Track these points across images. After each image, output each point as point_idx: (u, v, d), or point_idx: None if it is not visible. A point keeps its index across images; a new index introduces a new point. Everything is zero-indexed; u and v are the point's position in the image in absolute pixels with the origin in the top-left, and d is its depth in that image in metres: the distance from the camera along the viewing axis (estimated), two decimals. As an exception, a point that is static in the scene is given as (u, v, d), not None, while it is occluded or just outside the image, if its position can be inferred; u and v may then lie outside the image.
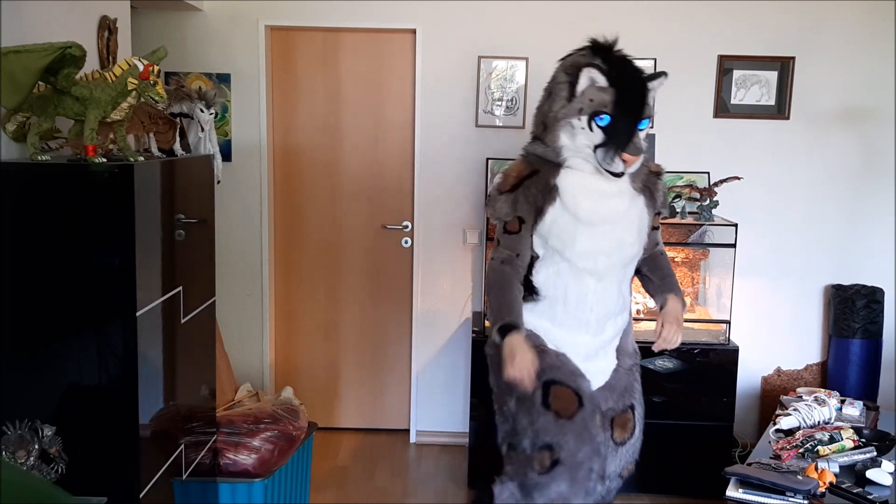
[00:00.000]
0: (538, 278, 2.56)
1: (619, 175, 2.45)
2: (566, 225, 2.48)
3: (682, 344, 3.79)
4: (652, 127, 2.62)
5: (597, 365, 2.60)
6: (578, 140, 2.44)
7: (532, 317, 2.57)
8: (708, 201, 4.02)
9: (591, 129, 2.40)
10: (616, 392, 2.61)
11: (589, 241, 2.47)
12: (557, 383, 2.49)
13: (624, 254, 2.54)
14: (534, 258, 2.57)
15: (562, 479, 2.43)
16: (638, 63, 2.50)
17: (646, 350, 3.83)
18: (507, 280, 2.52)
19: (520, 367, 2.39)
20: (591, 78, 2.39)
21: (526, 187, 2.52)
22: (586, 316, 2.55)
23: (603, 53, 2.45)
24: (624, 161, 2.41)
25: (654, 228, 2.70)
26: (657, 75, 2.52)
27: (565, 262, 2.51)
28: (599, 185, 2.49)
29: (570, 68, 2.45)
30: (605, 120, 2.39)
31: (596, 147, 2.42)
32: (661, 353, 3.83)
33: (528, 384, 2.41)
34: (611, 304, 2.57)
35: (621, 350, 2.68)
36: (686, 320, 4.00)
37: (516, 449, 2.55)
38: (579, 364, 2.57)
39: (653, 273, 2.74)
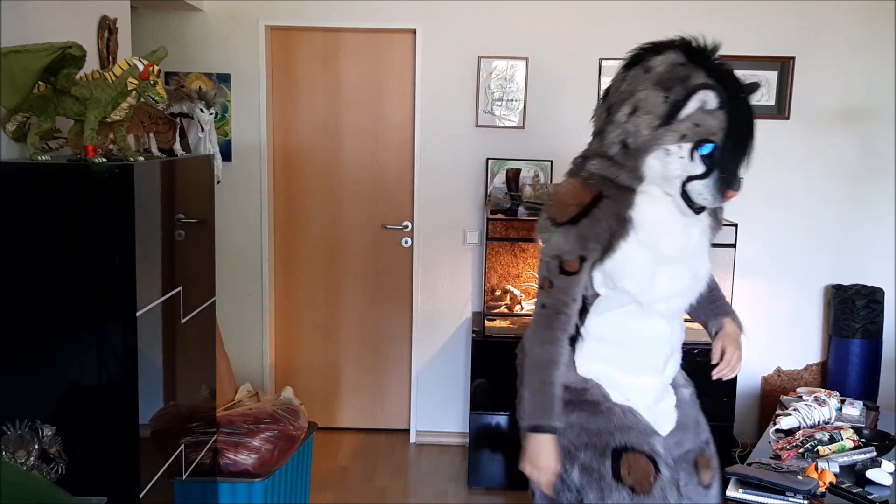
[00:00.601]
0: (596, 320, 2.17)
1: (699, 211, 2.12)
2: (643, 263, 2.09)
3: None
4: None
5: (663, 406, 2.27)
6: (671, 168, 2.04)
7: (590, 363, 2.18)
8: (708, 201, 4.01)
9: (691, 158, 2.02)
10: (689, 430, 2.29)
11: (668, 281, 2.12)
12: (629, 450, 2.11)
13: (698, 289, 2.23)
14: (588, 297, 2.17)
15: None
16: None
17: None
18: (554, 359, 2.10)
19: (541, 471, 2.09)
20: (704, 101, 2.01)
21: (593, 218, 2.07)
22: (654, 360, 2.22)
23: (705, 63, 2.07)
24: (726, 198, 2.08)
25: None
26: (753, 88, 2.14)
27: (635, 303, 2.14)
28: (676, 216, 2.12)
29: (672, 84, 2.03)
30: (708, 149, 2.02)
31: (691, 178, 2.05)
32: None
33: (546, 489, 2.14)
34: (676, 341, 2.30)
35: (675, 383, 2.37)
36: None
37: None
38: (650, 409, 2.21)
39: (712, 302, 2.40)
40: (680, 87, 2.01)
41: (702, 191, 2.06)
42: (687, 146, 2.01)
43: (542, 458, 2.08)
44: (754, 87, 2.14)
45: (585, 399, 2.16)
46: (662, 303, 2.14)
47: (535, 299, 2.20)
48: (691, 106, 2.00)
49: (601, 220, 2.06)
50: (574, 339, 2.17)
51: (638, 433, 2.13)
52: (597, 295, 2.16)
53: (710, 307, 2.38)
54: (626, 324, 2.16)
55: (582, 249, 2.07)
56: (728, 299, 3.91)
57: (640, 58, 2.14)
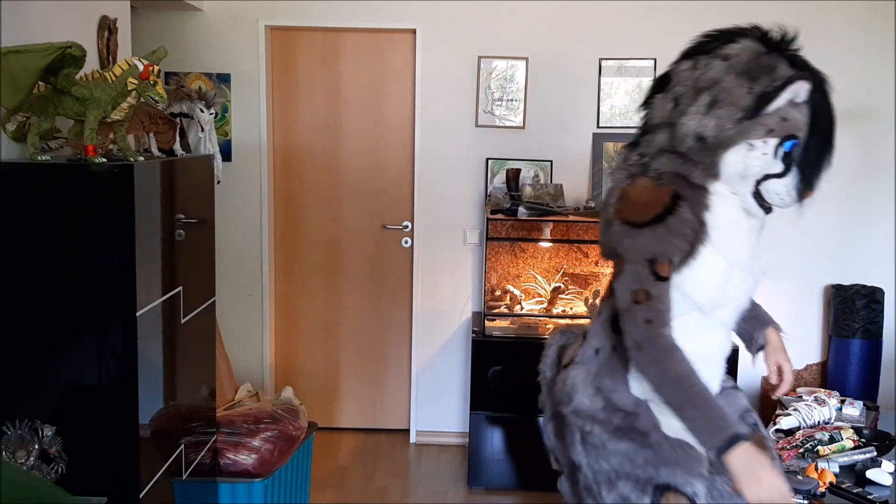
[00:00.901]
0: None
1: (770, 210, 1.99)
2: (717, 269, 1.93)
3: None
4: None
5: None
6: (751, 165, 1.91)
7: (641, 380, 2.00)
8: (708, 201, 4.01)
9: (774, 154, 1.90)
10: (736, 416, 2.17)
11: (735, 288, 1.97)
12: (672, 489, 1.94)
13: (752, 295, 2.11)
14: None
15: None
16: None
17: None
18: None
19: (771, 488, 1.83)
20: (796, 92, 1.90)
21: (679, 217, 1.89)
22: (712, 370, 2.08)
23: (786, 53, 1.98)
24: (803, 198, 1.96)
25: None
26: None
27: (697, 311, 1.98)
28: (744, 217, 1.99)
29: (757, 74, 1.92)
30: (790, 145, 1.89)
31: (768, 177, 1.92)
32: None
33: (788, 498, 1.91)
34: (728, 350, 2.18)
35: None
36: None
37: None
38: None
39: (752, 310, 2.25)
40: (766, 78, 1.90)
41: (779, 190, 1.93)
42: (773, 141, 1.89)
43: (763, 470, 1.82)
44: (827, 78, 2.03)
45: (636, 427, 1.99)
46: (726, 309, 2.01)
47: (625, 320, 1.93)
48: (783, 98, 1.89)
49: (687, 219, 1.89)
50: (626, 354, 1.97)
51: (683, 472, 1.96)
52: None
53: (750, 316, 2.24)
54: (686, 335, 1.94)
55: (673, 250, 1.88)
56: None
57: (708, 46, 2.01)
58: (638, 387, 2.01)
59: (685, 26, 4.26)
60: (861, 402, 3.41)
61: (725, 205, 1.95)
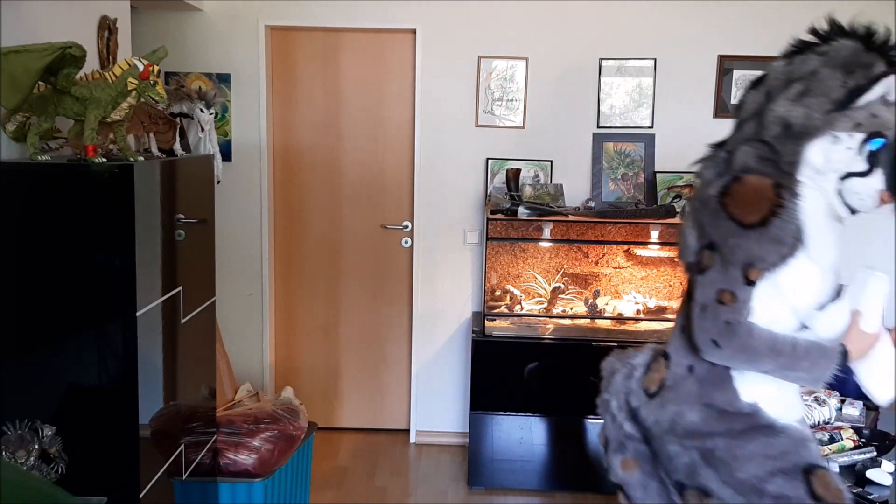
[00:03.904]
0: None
1: (855, 211, 1.94)
2: (812, 275, 1.89)
3: None
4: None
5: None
6: (834, 159, 1.87)
7: (758, 384, 1.96)
8: (708, 201, 4.01)
9: (859, 150, 1.86)
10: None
11: (827, 291, 1.93)
12: (818, 467, 1.90)
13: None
14: None
15: None
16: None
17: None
18: (767, 330, 1.88)
19: (872, 336, 1.89)
20: (889, 89, 1.87)
21: (784, 219, 1.83)
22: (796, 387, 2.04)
23: (886, 54, 1.92)
24: (882, 201, 1.90)
25: None
26: None
27: (795, 318, 1.94)
28: (830, 218, 1.94)
29: (854, 68, 1.88)
30: (878, 144, 1.84)
31: (850, 175, 1.88)
32: None
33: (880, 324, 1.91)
34: None
35: None
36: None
37: None
38: (803, 425, 2.05)
39: None
40: (862, 73, 1.86)
41: (860, 190, 1.88)
42: (859, 136, 1.85)
43: (863, 342, 1.89)
44: None
45: (758, 424, 1.94)
46: (812, 315, 1.94)
47: (702, 315, 1.91)
48: (875, 92, 1.86)
49: (791, 219, 1.84)
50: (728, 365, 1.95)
51: (816, 448, 1.97)
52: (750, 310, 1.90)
53: None
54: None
55: (772, 256, 1.84)
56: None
57: (807, 46, 1.98)
58: (751, 391, 1.96)
59: (685, 26, 4.28)
60: (861, 403, 3.41)
61: (814, 200, 1.90)
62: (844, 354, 1.86)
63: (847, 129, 1.85)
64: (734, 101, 4.27)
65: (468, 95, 4.31)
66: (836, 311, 1.91)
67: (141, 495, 2.37)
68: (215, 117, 3.48)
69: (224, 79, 4.31)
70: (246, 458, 3.12)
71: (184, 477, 2.76)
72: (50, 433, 2.24)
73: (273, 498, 3.20)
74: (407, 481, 4.11)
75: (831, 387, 4.09)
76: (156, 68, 2.42)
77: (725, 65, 4.24)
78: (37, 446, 2.21)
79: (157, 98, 2.45)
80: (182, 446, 2.74)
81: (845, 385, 4.12)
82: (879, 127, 1.84)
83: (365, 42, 4.39)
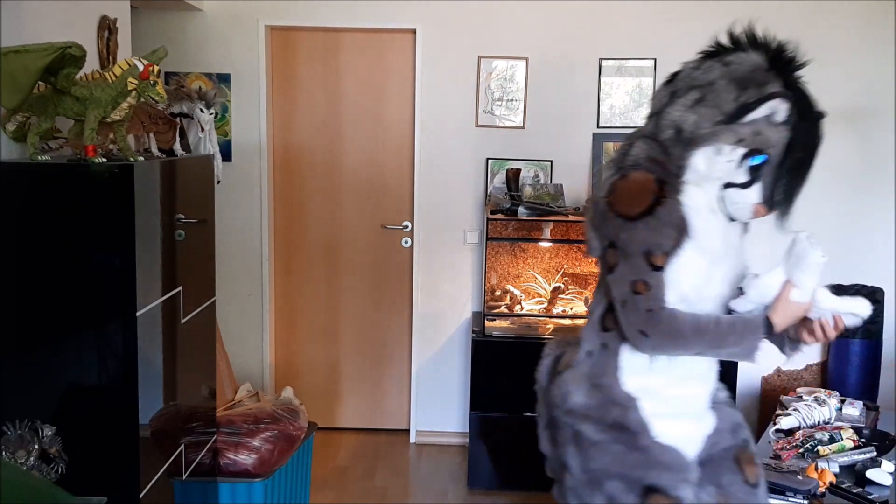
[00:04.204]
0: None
1: (732, 219, 2.03)
2: (699, 263, 1.97)
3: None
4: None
5: (706, 416, 2.17)
6: (715, 168, 1.95)
7: (636, 375, 2.04)
8: (708, 201, 4.01)
9: (739, 164, 1.94)
10: (726, 431, 2.17)
11: (719, 282, 2.02)
12: (659, 492, 1.98)
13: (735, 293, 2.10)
14: None
15: None
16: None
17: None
18: (691, 313, 1.96)
19: (804, 306, 1.96)
20: (773, 109, 1.92)
21: (668, 209, 1.93)
22: (701, 366, 2.10)
23: (788, 71, 1.98)
24: (756, 213, 2.00)
25: None
26: (824, 115, 2.05)
27: (688, 307, 1.99)
28: (714, 214, 2.02)
29: (748, 85, 1.95)
30: (759, 160, 1.93)
31: (730, 185, 1.96)
32: None
33: (831, 330, 1.99)
34: None
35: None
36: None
37: None
38: (694, 424, 2.11)
39: None
40: (754, 91, 1.93)
41: (737, 201, 1.97)
42: (740, 151, 1.92)
43: (791, 310, 1.96)
44: (824, 114, 2.04)
45: (627, 427, 2.02)
46: (710, 304, 2.02)
47: (625, 311, 1.97)
48: (760, 112, 1.92)
49: (673, 208, 1.93)
50: (616, 350, 2.04)
51: (671, 475, 2.01)
52: None
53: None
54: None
55: (666, 240, 1.93)
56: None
57: (722, 50, 2.05)
58: (631, 381, 2.04)
59: (685, 26, 4.28)
60: (861, 403, 3.41)
61: (699, 197, 1.97)
62: (769, 325, 1.92)
63: (730, 142, 1.92)
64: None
65: (468, 95, 4.31)
66: (769, 278, 1.97)
67: (141, 495, 2.37)
68: (215, 117, 3.48)
69: (224, 79, 4.31)
70: (246, 458, 3.12)
71: (184, 477, 2.76)
72: (50, 433, 2.24)
73: (273, 498, 3.20)
74: (407, 481, 4.11)
75: (832, 387, 4.10)
76: (156, 68, 2.42)
77: (725, 65, 4.24)
78: (37, 446, 2.21)
79: (157, 98, 2.45)
80: (182, 446, 2.74)
81: (845, 385, 4.13)
82: (761, 144, 1.92)
83: (365, 42, 4.39)
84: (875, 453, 2.84)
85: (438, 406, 4.56)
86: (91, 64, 2.82)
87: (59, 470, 2.24)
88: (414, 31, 4.30)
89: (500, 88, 4.30)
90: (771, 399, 4.35)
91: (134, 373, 2.31)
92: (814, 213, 4.35)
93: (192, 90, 3.37)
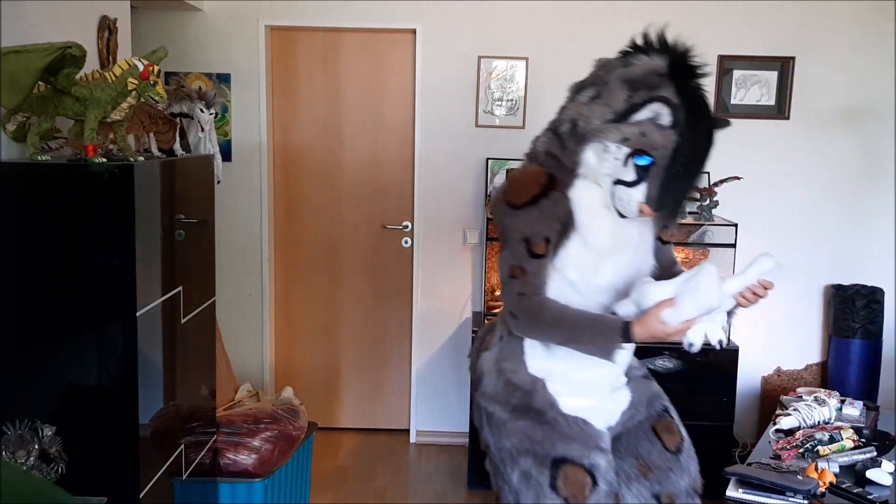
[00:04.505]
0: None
1: (622, 215, 2.09)
2: (585, 254, 2.07)
3: (682, 344, 3.54)
4: None
5: (617, 393, 2.27)
6: (603, 165, 2.02)
7: (540, 359, 2.17)
8: (708, 201, 4.02)
9: (625, 163, 2.00)
10: (642, 404, 2.28)
11: (609, 274, 2.08)
12: (568, 462, 2.09)
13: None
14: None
15: None
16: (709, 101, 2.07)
17: (647, 350, 3.84)
18: (560, 304, 2.06)
19: (664, 326, 1.97)
20: (656, 112, 1.98)
21: (552, 200, 2.04)
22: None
23: (681, 77, 2.02)
24: (640, 211, 2.05)
25: (666, 243, 2.31)
26: (725, 124, 2.07)
27: (578, 294, 2.10)
28: (610, 208, 2.10)
29: (639, 87, 2.00)
30: (645, 161, 1.98)
31: (618, 182, 2.03)
32: (661, 353, 3.80)
33: (687, 323, 1.99)
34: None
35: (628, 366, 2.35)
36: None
37: None
38: (605, 399, 2.22)
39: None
40: (644, 93, 1.98)
41: (623, 197, 2.04)
42: (625, 150, 1.99)
43: (654, 324, 1.98)
44: (722, 123, 2.06)
45: (532, 406, 2.14)
46: (601, 294, 2.11)
47: (502, 293, 2.11)
48: (643, 114, 1.98)
49: (558, 201, 2.05)
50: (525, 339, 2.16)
51: (580, 446, 2.11)
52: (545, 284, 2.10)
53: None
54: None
55: (546, 230, 2.04)
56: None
57: (632, 51, 2.12)
58: (536, 364, 2.17)
59: (685, 26, 4.26)
60: (861, 402, 3.41)
61: (589, 191, 2.06)
62: (627, 332, 1.98)
63: (616, 140, 1.98)
64: (734, 100, 4.27)
65: (468, 96, 4.31)
66: (655, 288, 2.01)
67: (141, 495, 2.37)
68: (215, 117, 3.48)
69: (224, 79, 4.31)
70: (246, 458, 3.12)
71: (184, 477, 2.76)
72: (50, 433, 2.24)
73: (273, 498, 3.20)
74: (407, 481, 4.11)
75: (832, 387, 4.10)
76: (156, 68, 2.42)
77: (725, 65, 4.24)
78: (37, 446, 2.21)
79: (157, 98, 2.45)
80: (182, 446, 2.74)
81: (845, 385, 4.13)
82: (645, 146, 1.97)
83: (365, 42, 4.39)
84: (875, 453, 2.84)
85: (438, 406, 4.56)
86: (91, 64, 2.82)
87: (59, 470, 2.24)
88: (414, 31, 4.30)
89: (499, 89, 4.30)
90: (771, 399, 4.35)
91: (134, 373, 2.31)
92: (814, 213, 4.36)
93: (192, 90, 3.37)
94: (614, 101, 2.01)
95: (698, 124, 1.99)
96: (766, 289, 2.07)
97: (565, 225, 2.05)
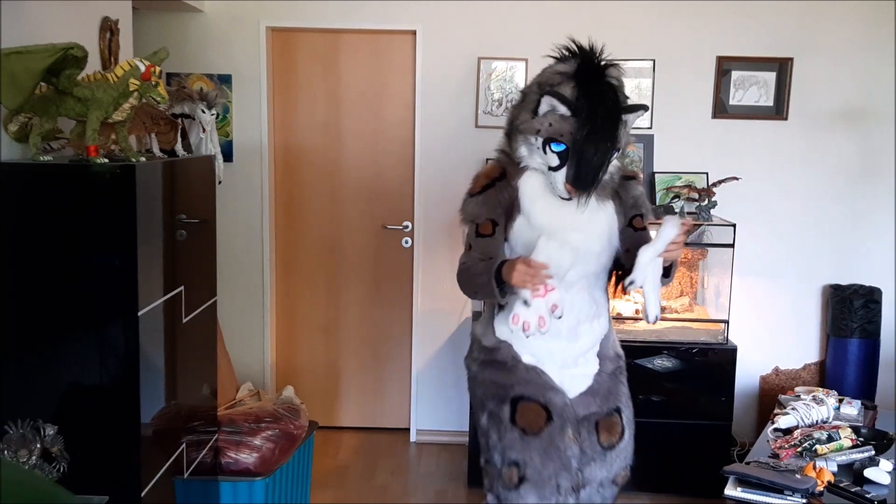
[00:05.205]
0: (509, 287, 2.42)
1: (566, 198, 2.38)
2: (528, 233, 2.41)
3: (681, 343, 3.86)
4: (623, 153, 2.49)
5: (577, 371, 2.52)
6: (535, 157, 2.40)
7: (503, 325, 2.48)
8: (706, 201, 4.03)
9: (545, 151, 2.35)
10: (599, 396, 2.53)
11: (553, 250, 2.32)
12: (525, 399, 2.46)
13: (591, 263, 2.45)
14: None
15: (529, 496, 2.43)
16: (614, 86, 2.37)
17: (646, 350, 3.86)
18: (475, 264, 2.41)
19: (522, 273, 2.25)
20: (552, 105, 2.32)
21: (497, 189, 2.44)
22: (556, 325, 2.41)
23: (582, 73, 2.34)
24: (568, 191, 2.36)
25: (639, 229, 2.55)
26: (634, 108, 2.39)
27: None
28: (552, 194, 2.42)
29: (545, 86, 2.37)
30: (560, 147, 2.32)
31: (550, 168, 2.37)
32: (660, 352, 3.83)
33: (539, 276, 2.25)
34: (582, 311, 2.49)
35: (602, 355, 2.57)
36: (684, 319, 4.03)
37: (490, 463, 2.52)
38: (556, 372, 2.49)
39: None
40: (546, 90, 2.35)
41: (553, 181, 2.38)
42: (540, 140, 2.36)
43: (508, 268, 2.28)
44: (636, 107, 2.39)
45: (496, 359, 2.53)
46: (551, 269, 2.30)
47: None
48: (543, 107, 2.35)
49: (502, 189, 2.44)
50: (493, 305, 2.53)
51: (536, 387, 2.48)
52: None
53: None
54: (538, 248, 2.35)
55: (490, 213, 2.43)
56: (728, 299, 3.99)
57: (562, 59, 2.44)
58: (500, 329, 2.51)
59: (684, 27, 4.29)
60: (859, 402, 3.42)
61: (537, 180, 2.43)
62: (499, 270, 2.30)
63: (531, 133, 2.38)
64: (732, 101, 4.28)
65: (468, 96, 4.32)
66: (540, 245, 2.32)
67: (142, 494, 2.38)
68: (216, 118, 3.49)
69: (225, 79, 4.32)
70: (247, 457, 3.14)
71: (185, 476, 2.77)
72: (52, 432, 2.25)
73: (274, 497, 3.21)
74: (407, 480, 4.12)
75: (830, 386, 4.11)
76: (157, 69, 2.43)
77: (724, 66, 4.25)
78: (38, 445, 2.22)
79: (158, 99, 2.46)
80: (183, 445, 2.75)
81: (843, 384, 4.14)
82: (552, 134, 2.33)
83: (365, 43, 4.40)
84: (873, 452, 2.84)
85: (439, 405, 4.57)
86: (93, 65, 2.83)
87: (61, 469, 2.24)
88: (414, 32, 4.31)
89: (499, 89, 4.31)
90: (769, 398, 4.36)
91: (135, 372, 2.32)
92: (812, 214, 4.37)
93: (194, 91, 3.38)
94: (530, 102, 2.40)
95: (595, 110, 2.30)
96: (684, 237, 2.37)
97: (509, 209, 2.43)
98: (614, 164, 2.44)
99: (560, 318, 2.39)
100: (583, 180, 2.33)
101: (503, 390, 2.48)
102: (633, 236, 2.52)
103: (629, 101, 2.42)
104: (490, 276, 2.31)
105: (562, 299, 2.37)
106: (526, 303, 2.29)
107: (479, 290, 2.42)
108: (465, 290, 2.49)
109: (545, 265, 2.25)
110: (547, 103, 2.33)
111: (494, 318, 2.53)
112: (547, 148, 2.34)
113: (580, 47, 2.40)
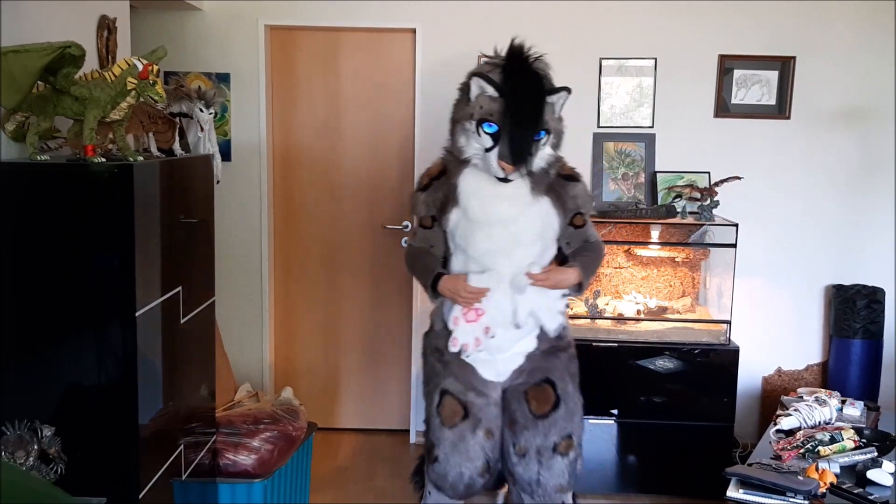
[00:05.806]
0: (454, 273, 2.78)
1: (504, 180, 2.59)
2: (465, 224, 2.67)
3: (683, 344, 3.92)
4: (554, 143, 2.69)
5: (512, 352, 2.79)
6: (472, 143, 2.60)
7: (451, 313, 2.77)
8: (708, 201, 4.02)
9: (479, 133, 2.56)
10: (527, 371, 2.80)
11: (485, 240, 2.64)
12: (449, 394, 2.78)
13: (523, 253, 2.67)
14: (447, 254, 2.81)
15: (439, 473, 2.80)
16: (539, 72, 2.60)
17: (647, 350, 3.84)
18: (420, 252, 2.85)
19: (464, 293, 2.66)
20: (481, 87, 2.56)
21: (435, 187, 2.74)
22: (503, 315, 2.71)
23: (508, 60, 2.59)
24: (502, 168, 2.55)
25: (578, 227, 2.80)
26: (557, 90, 2.60)
27: (470, 259, 2.71)
28: (494, 187, 2.63)
29: (470, 76, 2.63)
30: (492, 128, 2.53)
31: (487, 150, 2.56)
32: (661, 353, 3.84)
33: (477, 295, 2.66)
34: (521, 297, 2.70)
35: (542, 336, 2.81)
36: (686, 320, 4.02)
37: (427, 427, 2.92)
38: (491, 354, 2.77)
39: (573, 257, 2.83)
40: (469, 77, 2.62)
41: (489, 160, 2.57)
42: (473, 123, 2.57)
43: (451, 285, 2.70)
44: (559, 89, 2.60)
45: (438, 347, 2.83)
46: (485, 258, 2.66)
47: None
48: (473, 90, 2.58)
49: (439, 188, 2.74)
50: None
51: (462, 384, 2.78)
52: (450, 253, 2.80)
53: (571, 262, 2.80)
54: (470, 278, 2.68)
55: (427, 210, 2.77)
56: (730, 299, 3.95)
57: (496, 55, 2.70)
58: (448, 317, 2.76)
59: (686, 26, 4.27)
60: (862, 403, 3.41)
61: (475, 175, 2.65)
62: (435, 282, 2.74)
63: (466, 118, 2.60)
64: (734, 100, 4.27)
65: (468, 95, 4.30)
66: (472, 280, 2.69)
67: (140, 496, 2.37)
68: (215, 117, 3.48)
69: (223, 78, 4.31)
70: (245, 459, 3.12)
71: (183, 477, 2.76)
72: (49, 433, 2.24)
73: (273, 498, 3.20)
74: (407, 482, 4.10)
75: (832, 387, 4.09)
76: (155, 68, 2.41)
77: (726, 64, 4.24)
78: (36, 447, 2.21)
79: (156, 98, 2.45)
80: (181, 447, 2.74)
81: (846, 385, 4.13)
82: (484, 115, 2.55)
83: (365, 42, 4.38)
84: (876, 454, 2.83)
85: (438, 406, 4.55)
86: (90, 63, 2.82)
87: (59, 470, 2.24)
88: (414, 31, 4.29)
89: (500, 88, 4.29)
90: (772, 399, 4.35)
91: (133, 373, 2.31)
92: (815, 213, 4.36)
93: (192, 90, 3.37)
94: (465, 92, 2.65)
95: (520, 87, 2.53)
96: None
97: (445, 203, 2.71)
98: (548, 154, 2.65)
99: (493, 338, 2.70)
100: (514, 154, 2.51)
101: (437, 379, 2.83)
102: (573, 234, 2.81)
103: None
104: (427, 285, 2.78)
105: (494, 321, 2.68)
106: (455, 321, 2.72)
107: (417, 280, 2.89)
108: (407, 270, 2.98)
109: (482, 291, 2.62)
110: (476, 85, 2.56)
111: (444, 306, 2.82)
112: (480, 130, 2.55)
113: (511, 44, 2.62)
